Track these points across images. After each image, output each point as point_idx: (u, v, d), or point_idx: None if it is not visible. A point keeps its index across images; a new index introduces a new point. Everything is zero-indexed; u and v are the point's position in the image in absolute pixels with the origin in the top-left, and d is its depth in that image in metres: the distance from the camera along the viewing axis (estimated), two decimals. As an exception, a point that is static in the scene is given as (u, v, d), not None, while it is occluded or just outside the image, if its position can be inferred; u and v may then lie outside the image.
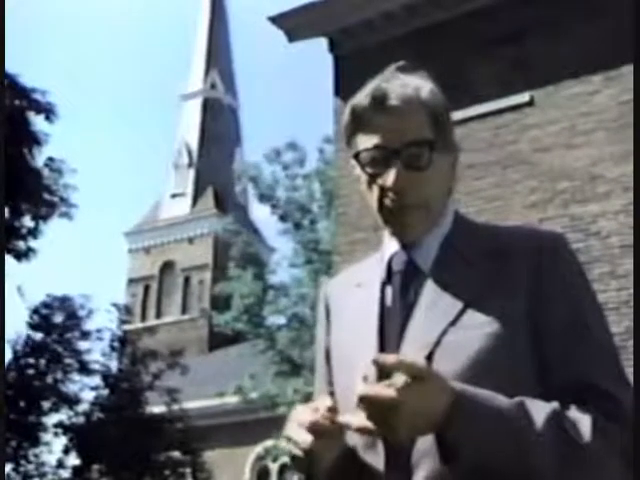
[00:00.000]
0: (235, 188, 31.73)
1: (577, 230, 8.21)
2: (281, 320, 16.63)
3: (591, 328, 1.19)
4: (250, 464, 19.77)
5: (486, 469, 1.07)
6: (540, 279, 1.19)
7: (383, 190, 1.23)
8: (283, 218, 16.53)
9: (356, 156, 1.26)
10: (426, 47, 9.54)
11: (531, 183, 8.66)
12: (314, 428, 1.12)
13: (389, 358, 1.05)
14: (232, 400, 17.34)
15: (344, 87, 9.73)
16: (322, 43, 10.45)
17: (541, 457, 1.06)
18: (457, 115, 9.21)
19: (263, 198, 16.66)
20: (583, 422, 1.10)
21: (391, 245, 1.30)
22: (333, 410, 1.14)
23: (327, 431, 1.13)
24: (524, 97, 8.89)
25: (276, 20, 10.43)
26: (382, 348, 1.22)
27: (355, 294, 1.33)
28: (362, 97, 1.25)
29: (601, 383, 1.14)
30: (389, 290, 1.27)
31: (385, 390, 1.02)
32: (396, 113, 1.22)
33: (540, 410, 1.09)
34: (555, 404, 1.11)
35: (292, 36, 10.57)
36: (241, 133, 36.38)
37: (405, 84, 1.25)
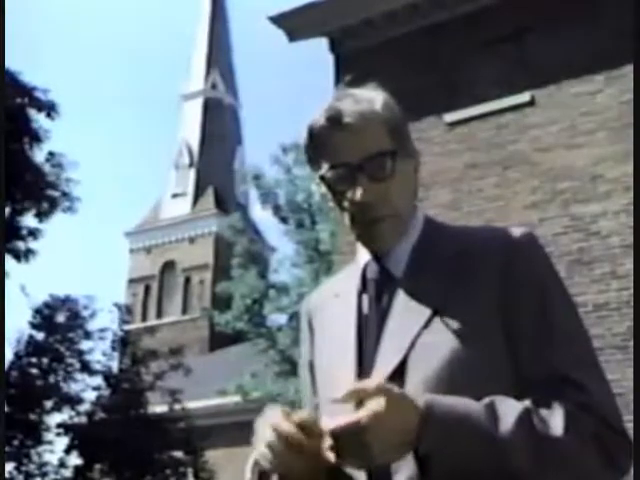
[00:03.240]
0: (235, 188, 31.74)
1: (578, 230, 8.21)
2: (282, 319, 16.66)
3: (559, 322, 1.21)
4: (251, 464, 19.77)
5: (463, 475, 1.08)
6: (507, 277, 1.21)
7: (353, 205, 1.25)
8: (284, 220, 16.57)
9: (321, 177, 1.28)
10: (427, 47, 9.55)
11: (532, 183, 8.66)
12: (290, 441, 1.08)
13: (342, 392, 1.05)
14: (233, 400, 17.35)
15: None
16: (322, 43, 10.46)
17: (515, 457, 1.08)
18: (458, 115, 9.24)
19: (266, 199, 16.68)
20: (555, 416, 1.12)
21: (365, 255, 1.33)
22: (304, 428, 1.09)
23: (303, 446, 1.09)
24: (525, 97, 8.89)
25: (276, 20, 10.44)
26: (360, 356, 1.24)
27: (334, 305, 1.35)
28: (318, 119, 1.27)
29: (572, 375, 1.16)
30: (365, 298, 1.30)
31: (353, 419, 1.03)
32: (353, 130, 1.24)
33: (510, 410, 1.10)
34: (526, 402, 1.13)
35: (292, 36, 10.57)
36: (242, 133, 36.42)
37: (358, 100, 1.26)
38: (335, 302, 1.35)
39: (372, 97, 1.28)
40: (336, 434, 1.03)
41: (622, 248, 7.85)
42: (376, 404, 1.03)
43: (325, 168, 1.27)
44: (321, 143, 1.27)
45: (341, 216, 1.30)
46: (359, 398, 1.05)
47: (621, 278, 7.79)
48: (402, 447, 1.07)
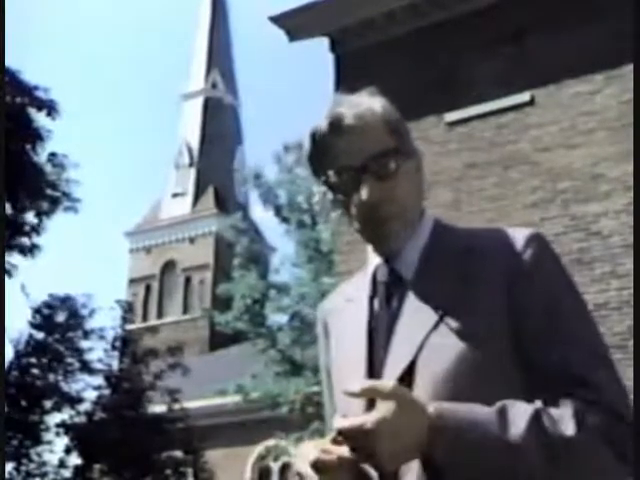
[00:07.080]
0: (235, 188, 31.73)
1: (578, 229, 8.21)
2: (282, 319, 16.65)
3: (568, 321, 1.20)
4: (251, 463, 19.77)
5: None
6: (514, 278, 1.21)
7: (360, 206, 1.26)
8: (285, 220, 16.55)
9: (326, 182, 1.29)
10: (427, 47, 9.55)
11: (532, 183, 8.66)
12: (316, 465, 1.12)
13: (356, 386, 1.07)
14: (233, 400, 17.33)
15: (344, 87, 9.69)
16: (322, 43, 10.47)
17: (528, 462, 1.08)
18: (458, 114, 9.24)
19: (266, 200, 16.68)
20: (566, 416, 1.11)
21: (376, 259, 1.34)
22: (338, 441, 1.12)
23: (330, 466, 1.11)
24: (525, 96, 8.89)
25: (277, 20, 10.44)
26: (371, 358, 1.25)
27: (346, 310, 1.36)
28: (319, 126, 1.28)
29: (581, 373, 1.15)
30: (376, 302, 1.30)
31: (360, 421, 1.04)
32: (354, 132, 1.26)
33: (521, 414, 1.10)
34: (537, 404, 1.12)
35: (292, 36, 10.58)
36: (242, 133, 36.43)
37: (356, 103, 1.29)
38: (347, 307, 1.36)
39: (370, 100, 1.31)
40: (344, 434, 1.05)
41: (622, 248, 7.85)
42: (385, 408, 1.04)
43: (330, 174, 1.28)
44: (324, 150, 1.28)
45: (349, 221, 1.30)
46: (370, 397, 1.07)
47: (621, 278, 7.79)
48: (409, 452, 1.07)
